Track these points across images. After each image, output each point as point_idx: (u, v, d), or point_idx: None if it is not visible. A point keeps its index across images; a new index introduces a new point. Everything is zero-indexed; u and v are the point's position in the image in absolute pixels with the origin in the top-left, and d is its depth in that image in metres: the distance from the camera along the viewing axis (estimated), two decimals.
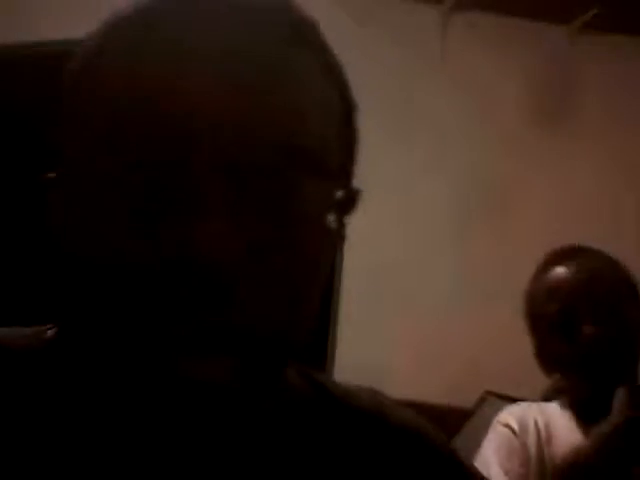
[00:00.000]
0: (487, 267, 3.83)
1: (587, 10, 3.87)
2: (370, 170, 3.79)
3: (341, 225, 0.58)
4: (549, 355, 1.68)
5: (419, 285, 3.83)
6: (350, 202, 0.59)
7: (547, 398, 1.77)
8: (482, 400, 2.90)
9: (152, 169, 0.50)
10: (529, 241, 3.84)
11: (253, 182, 0.51)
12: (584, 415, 1.67)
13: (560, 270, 1.66)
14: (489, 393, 2.91)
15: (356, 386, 0.68)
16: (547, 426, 1.65)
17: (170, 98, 0.51)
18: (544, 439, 1.63)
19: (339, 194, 0.57)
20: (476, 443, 1.71)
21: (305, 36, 0.56)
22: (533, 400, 1.80)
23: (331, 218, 0.56)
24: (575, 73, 4.03)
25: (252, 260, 0.51)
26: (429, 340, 3.74)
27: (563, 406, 1.71)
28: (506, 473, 1.59)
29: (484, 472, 1.67)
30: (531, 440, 1.62)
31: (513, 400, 2.01)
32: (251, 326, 0.51)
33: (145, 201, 0.50)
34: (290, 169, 0.53)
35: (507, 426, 1.65)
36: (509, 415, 1.68)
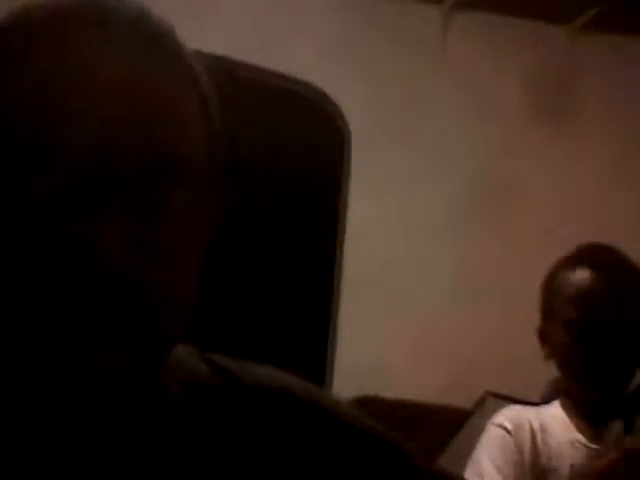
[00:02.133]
0: (487, 266, 3.83)
1: (587, 10, 3.87)
2: (370, 170, 3.79)
3: (214, 228, 0.62)
4: (562, 354, 1.68)
5: (419, 285, 3.83)
6: (220, 207, 0.63)
7: (546, 398, 1.77)
8: (482, 400, 2.90)
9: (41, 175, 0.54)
10: (529, 240, 3.84)
11: (131, 193, 0.55)
12: (585, 417, 1.67)
13: (585, 275, 1.66)
14: (489, 393, 2.91)
15: (268, 369, 0.69)
16: (542, 427, 1.65)
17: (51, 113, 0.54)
18: (539, 440, 1.63)
19: (209, 200, 0.61)
20: (476, 443, 1.71)
21: (163, 47, 0.58)
22: (533, 400, 1.80)
23: (201, 223, 0.60)
24: (575, 73, 4.03)
25: (136, 264, 0.55)
26: (429, 340, 3.74)
27: (561, 407, 1.71)
28: (499, 472, 1.59)
29: (478, 472, 1.67)
30: (526, 440, 1.63)
31: (513, 400, 2.01)
32: (139, 322, 0.56)
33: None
34: (160, 181, 0.56)
35: (501, 426, 1.66)
36: (503, 417, 1.69)
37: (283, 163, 3.69)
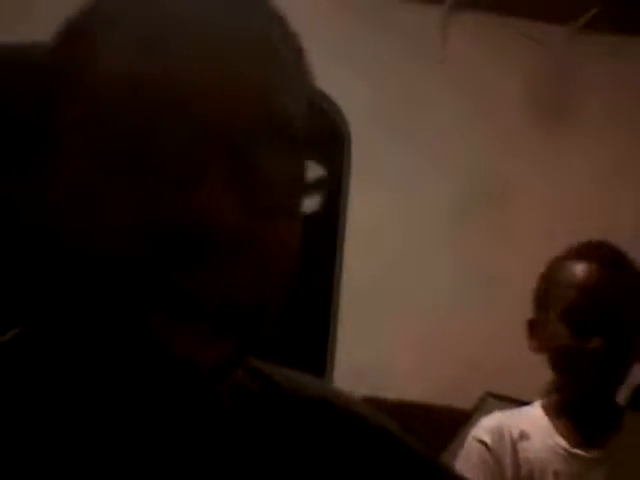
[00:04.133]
0: (487, 266, 3.83)
1: (587, 10, 3.87)
2: (370, 169, 3.79)
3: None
4: (555, 344, 1.62)
5: (419, 284, 3.83)
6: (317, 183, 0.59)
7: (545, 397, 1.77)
8: (482, 400, 2.90)
9: (147, 138, 0.51)
10: (529, 240, 3.84)
11: (244, 150, 0.52)
12: (569, 419, 1.63)
13: (588, 267, 1.60)
14: (489, 394, 2.91)
15: (305, 376, 0.68)
16: (522, 434, 1.62)
17: (169, 75, 0.51)
18: (520, 450, 1.60)
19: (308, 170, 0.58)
20: None
21: (270, 12, 0.57)
22: (532, 400, 1.80)
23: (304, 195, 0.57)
24: (575, 73, 4.03)
25: (246, 225, 0.51)
26: (428, 340, 3.74)
27: (542, 408, 1.67)
28: None
29: None
30: (506, 454, 1.59)
31: (513, 400, 2.01)
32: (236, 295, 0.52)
33: (143, 169, 0.51)
34: (274, 137, 0.54)
35: (480, 441, 1.62)
36: (482, 430, 1.65)
37: None
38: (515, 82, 3.96)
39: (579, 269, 1.60)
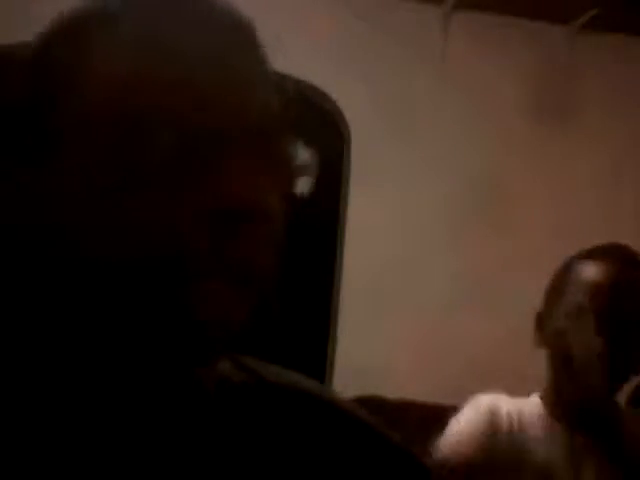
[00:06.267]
0: (487, 266, 3.83)
1: (587, 10, 3.88)
2: (370, 169, 3.78)
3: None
4: (559, 340, 1.59)
5: (419, 285, 3.84)
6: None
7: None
8: None
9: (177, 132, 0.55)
10: (528, 240, 3.85)
11: (260, 143, 0.57)
12: (564, 418, 1.60)
13: (605, 266, 1.57)
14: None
15: (295, 374, 0.69)
16: (520, 418, 1.62)
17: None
18: (516, 426, 1.60)
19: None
20: None
21: (248, 38, 0.62)
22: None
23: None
24: (575, 73, 4.03)
25: (266, 199, 0.57)
26: (428, 340, 3.75)
27: (541, 400, 1.64)
28: (454, 453, 1.55)
29: (449, 432, 1.64)
30: (502, 422, 1.59)
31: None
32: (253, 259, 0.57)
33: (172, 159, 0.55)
34: (277, 132, 0.60)
35: (476, 406, 1.63)
36: (477, 400, 1.66)
37: None
38: (515, 82, 3.96)
39: (591, 268, 1.57)
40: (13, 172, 0.57)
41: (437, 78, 3.94)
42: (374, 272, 3.78)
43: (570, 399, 1.60)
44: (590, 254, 1.61)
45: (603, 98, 4.01)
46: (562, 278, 1.62)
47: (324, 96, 3.87)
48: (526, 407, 1.63)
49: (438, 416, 1.76)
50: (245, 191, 0.55)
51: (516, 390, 1.69)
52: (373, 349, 3.69)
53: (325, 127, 3.87)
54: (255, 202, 0.55)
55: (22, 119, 0.57)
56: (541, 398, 1.64)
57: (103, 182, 0.54)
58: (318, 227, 3.85)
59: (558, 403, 1.61)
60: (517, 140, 3.97)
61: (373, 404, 2.95)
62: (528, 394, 1.69)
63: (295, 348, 3.59)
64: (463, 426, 1.61)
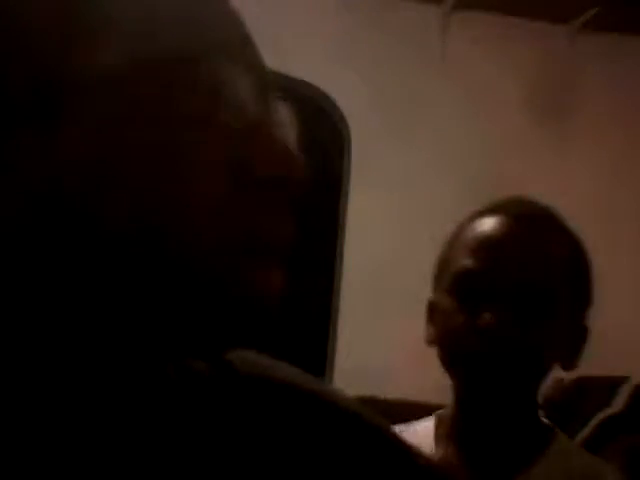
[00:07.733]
0: None
1: (587, 9, 3.88)
2: (370, 169, 3.78)
3: None
4: (443, 328, 1.16)
5: (419, 284, 3.83)
6: None
7: (547, 399, 1.75)
8: None
9: None
10: None
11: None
12: (466, 442, 1.11)
13: (496, 222, 1.12)
14: None
15: (289, 367, 0.68)
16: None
17: None
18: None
19: None
20: None
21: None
22: None
23: None
24: (575, 73, 4.03)
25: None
26: None
27: (438, 424, 1.17)
28: None
29: None
30: None
31: None
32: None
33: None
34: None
35: None
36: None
37: None
38: (515, 82, 3.96)
39: (482, 227, 1.12)
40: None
41: (437, 78, 3.94)
42: (374, 272, 3.78)
43: (463, 414, 1.15)
44: (478, 212, 1.17)
45: (603, 98, 4.01)
46: (445, 248, 1.23)
47: (324, 96, 3.87)
48: (420, 433, 1.17)
49: None
50: (286, 158, 0.52)
51: None
52: (373, 349, 3.69)
53: (325, 127, 3.87)
54: (289, 170, 0.52)
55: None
56: (436, 423, 1.19)
57: None
58: (318, 227, 3.85)
59: (453, 421, 1.15)
60: (516, 139, 3.97)
61: (372, 404, 2.94)
62: None
63: (295, 348, 3.59)
64: None
